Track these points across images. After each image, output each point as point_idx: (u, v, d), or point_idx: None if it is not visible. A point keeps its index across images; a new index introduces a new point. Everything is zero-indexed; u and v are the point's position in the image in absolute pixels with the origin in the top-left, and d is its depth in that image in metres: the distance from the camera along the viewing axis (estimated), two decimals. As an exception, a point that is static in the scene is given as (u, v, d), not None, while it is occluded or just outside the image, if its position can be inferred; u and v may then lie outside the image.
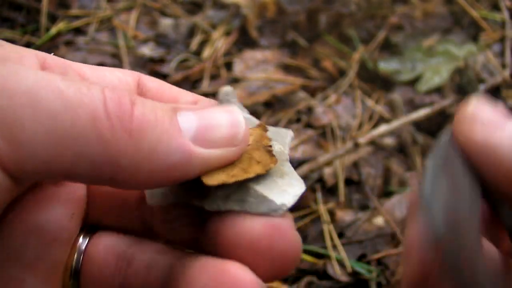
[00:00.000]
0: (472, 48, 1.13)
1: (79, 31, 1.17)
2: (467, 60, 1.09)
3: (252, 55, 1.11)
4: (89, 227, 0.36)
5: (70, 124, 0.26)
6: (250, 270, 0.29)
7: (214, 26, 1.18)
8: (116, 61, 1.11)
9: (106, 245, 0.35)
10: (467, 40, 1.18)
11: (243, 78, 1.06)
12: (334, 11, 1.20)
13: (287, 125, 0.98)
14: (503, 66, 1.09)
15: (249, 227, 0.30)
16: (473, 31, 1.20)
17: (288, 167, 0.33)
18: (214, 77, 1.09)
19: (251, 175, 0.31)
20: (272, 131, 0.35)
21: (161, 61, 1.13)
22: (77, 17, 1.18)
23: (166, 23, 1.20)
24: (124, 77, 0.35)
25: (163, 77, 1.09)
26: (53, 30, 1.14)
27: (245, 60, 1.11)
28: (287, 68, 1.10)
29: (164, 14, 1.22)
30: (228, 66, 1.12)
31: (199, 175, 0.30)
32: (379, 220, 0.84)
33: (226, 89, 0.36)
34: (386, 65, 1.13)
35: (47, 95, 0.26)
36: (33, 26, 1.15)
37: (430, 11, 1.24)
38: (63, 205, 0.34)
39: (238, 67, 1.10)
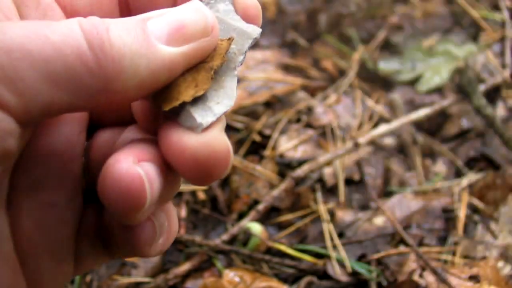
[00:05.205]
0: (472, 48, 1.13)
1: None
2: (467, 60, 1.09)
3: (252, 55, 1.11)
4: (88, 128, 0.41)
5: (62, 65, 0.30)
6: (136, 164, 0.33)
7: (214, 26, 1.18)
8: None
9: (106, 137, 0.41)
10: (467, 40, 1.18)
11: (243, 78, 1.06)
12: (334, 11, 1.20)
13: (287, 125, 0.98)
14: (503, 66, 1.09)
15: (177, 140, 0.34)
16: (473, 31, 1.20)
17: (230, 78, 0.37)
18: (214, 77, 1.09)
19: (179, 101, 0.34)
20: (238, 31, 0.38)
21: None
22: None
23: (166, 23, 1.19)
24: None
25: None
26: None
27: (245, 60, 1.11)
28: (287, 68, 1.10)
29: (164, 14, 1.22)
30: (228, 66, 1.11)
31: (183, 70, 0.34)
32: (379, 220, 0.84)
33: None
34: (386, 65, 1.13)
35: (37, 45, 0.30)
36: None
37: (430, 11, 1.24)
38: (70, 125, 0.39)
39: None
